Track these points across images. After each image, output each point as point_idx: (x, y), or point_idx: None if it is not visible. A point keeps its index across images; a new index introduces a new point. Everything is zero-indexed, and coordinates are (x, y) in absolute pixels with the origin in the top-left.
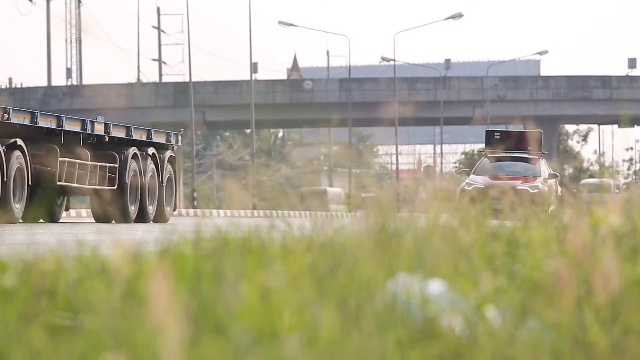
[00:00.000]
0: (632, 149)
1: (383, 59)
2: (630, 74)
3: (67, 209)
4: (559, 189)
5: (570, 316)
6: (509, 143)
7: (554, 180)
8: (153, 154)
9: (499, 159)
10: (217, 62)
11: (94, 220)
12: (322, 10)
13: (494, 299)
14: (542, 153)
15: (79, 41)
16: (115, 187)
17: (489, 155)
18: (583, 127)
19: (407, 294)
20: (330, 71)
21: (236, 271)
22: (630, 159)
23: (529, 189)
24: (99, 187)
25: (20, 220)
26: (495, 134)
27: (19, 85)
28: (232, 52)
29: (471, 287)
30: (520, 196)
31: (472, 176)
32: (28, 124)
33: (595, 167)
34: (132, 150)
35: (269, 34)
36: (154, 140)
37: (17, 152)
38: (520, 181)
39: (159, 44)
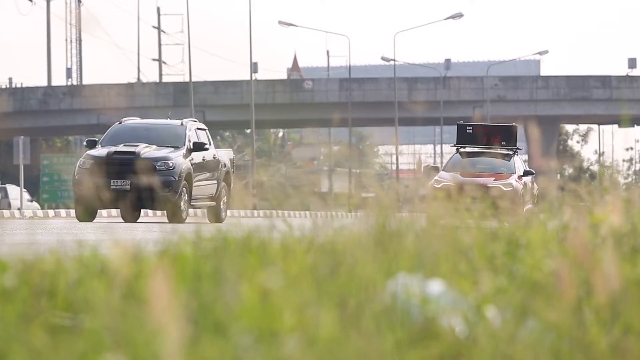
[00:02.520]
0: (632, 149)
1: (383, 58)
2: (630, 74)
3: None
4: (536, 186)
5: (570, 316)
6: (481, 138)
7: (529, 177)
8: None
9: (471, 155)
10: (217, 62)
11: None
12: (322, 10)
13: (494, 299)
14: (517, 149)
15: (79, 41)
16: None
17: (460, 151)
18: (583, 127)
19: (407, 294)
20: (330, 71)
21: (236, 271)
22: (630, 159)
23: (501, 187)
24: None
25: None
26: (467, 128)
27: (19, 85)
28: (232, 52)
29: (471, 287)
30: (492, 194)
31: (441, 173)
32: None
33: (595, 167)
34: None
35: (269, 34)
36: None
37: None
38: (493, 178)
39: (159, 44)
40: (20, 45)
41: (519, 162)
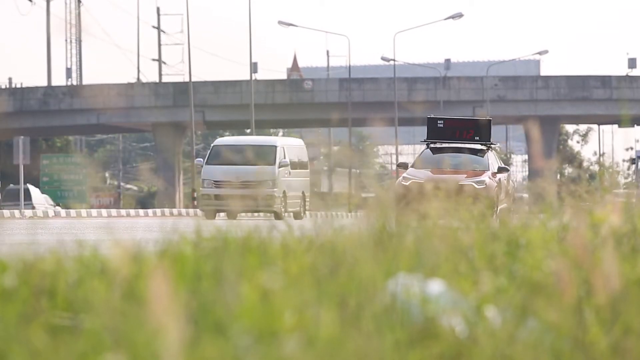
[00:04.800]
0: (632, 149)
1: (383, 58)
2: (630, 74)
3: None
4: (511, 184)
5: (570, 316)
6: (453, 132)
7: (504, 174)
8: None
9: (442, 151)
10: (217, 62)
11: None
12: (322, 10)
13: (494, 299)
14: (491, 144)
15: (79, 41)
16: None
17: (431, 147)
18: (583, 127)
19: (407, 294)
20: (330, 71)
21: (236, 271)
22: (630, 159)
23: (474, 185)
24: None
25: None
26: (439, 121)
27: (19, 85)
28: (232, 52)
29: (471, 287)
30: (463, 192)
31: (410, 170)
32: None
33: (595, 167)
34: None
35: (269, 34)
36: None
37: None
38: (465, 175)
39: (159, 44)
40: (20, 45)
41: (493, 158)
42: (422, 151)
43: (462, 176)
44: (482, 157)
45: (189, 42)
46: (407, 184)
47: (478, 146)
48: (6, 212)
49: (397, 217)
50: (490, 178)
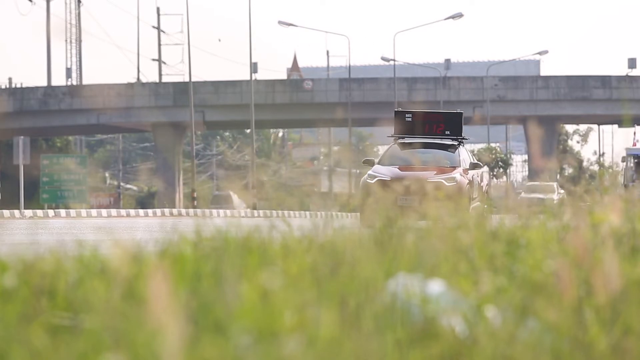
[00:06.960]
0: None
1: (383, 58)
2: (630, 74)
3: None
4: (485, 181)
5: (570, 316)
6: (422, 127)
7: (477, 171)
8: None
9: (410, 146)
10: (217, 62)
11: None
12: (322, 10)
13: (494, 299)
14: (462, 138)
15: (79, 41)
16: None
17: (399, 142)
18: (583, 127)
19: (407, 294)
20: (330, 71)
21: (236, 271)
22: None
23: (444, 182)
24: None
25: None
26: (407, 115)
27: (18, 85)
28: (232, 52)
29: (471, 287)
30: (433, 190)
31: (376, 166)
32: None
33: (595, 167)
34: None
35: (269, 34)
36: None
37: None
38: (435, 172)
39: (159, 44)
40: (20, 45)
41: (465, 154)
42: (389, 147)
43: (431, 173)
44: (453, 152)
45: (189, 42)
46: (372, 181)
47: (449, 141)
48: (6, 212)
49: (362, 216)
50: (461, 175)
